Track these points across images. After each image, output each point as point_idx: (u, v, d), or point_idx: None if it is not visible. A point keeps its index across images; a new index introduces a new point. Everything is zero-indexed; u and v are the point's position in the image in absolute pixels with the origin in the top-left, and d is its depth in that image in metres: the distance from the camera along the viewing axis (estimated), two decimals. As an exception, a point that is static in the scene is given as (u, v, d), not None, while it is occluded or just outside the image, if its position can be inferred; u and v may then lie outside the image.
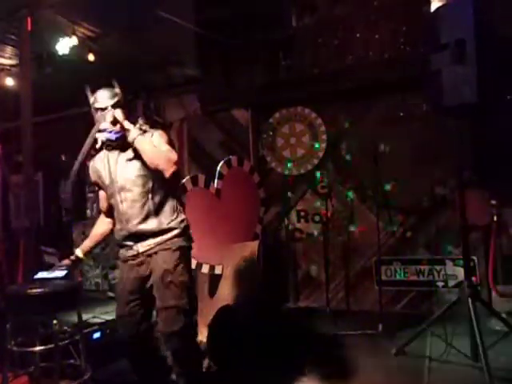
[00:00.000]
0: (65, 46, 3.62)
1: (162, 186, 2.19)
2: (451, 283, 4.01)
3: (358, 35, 4.39)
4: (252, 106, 4.86)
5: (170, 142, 2.21)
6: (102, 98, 2.19)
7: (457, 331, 2.90)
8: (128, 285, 2.21)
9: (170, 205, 2.21)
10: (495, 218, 3.66)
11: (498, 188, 3.68)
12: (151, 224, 2.16)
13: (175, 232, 2.19)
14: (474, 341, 2.66)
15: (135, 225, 2.17)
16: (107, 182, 2.26)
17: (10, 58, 4.57)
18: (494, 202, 3.67)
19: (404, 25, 4.19)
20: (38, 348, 2.45)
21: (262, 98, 4.78)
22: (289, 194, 4.68)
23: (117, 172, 2.23)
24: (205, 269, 3.38)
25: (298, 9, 4.84)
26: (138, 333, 2.18)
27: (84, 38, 3.78)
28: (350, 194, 4.46)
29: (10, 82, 4.90)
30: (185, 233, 2.22)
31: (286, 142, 4.79)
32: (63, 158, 6.64)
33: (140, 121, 2.27)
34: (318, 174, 4.53)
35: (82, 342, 2.55)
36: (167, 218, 2.19)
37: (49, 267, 2.53)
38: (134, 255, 2.21)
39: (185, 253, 2.20)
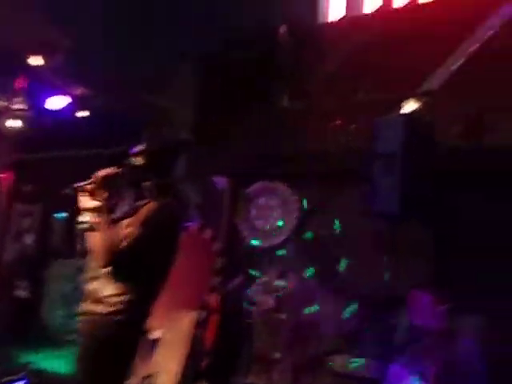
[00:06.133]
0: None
1: None
2: None
3: (337, 123, 4.61)
4: (233, 174, 5.07)
5: (149, 222, 1.99)
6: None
7: None
8: None
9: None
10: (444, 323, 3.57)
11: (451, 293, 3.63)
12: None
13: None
14: None
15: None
16: None
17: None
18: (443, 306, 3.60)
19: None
20: None
21: (245, 169, 4.99)
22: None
23: None
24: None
25: (290, 90, 5.14)
26: None
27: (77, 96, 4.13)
28: (311, 273, 4.48)
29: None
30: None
31: (260, 214, 4.92)
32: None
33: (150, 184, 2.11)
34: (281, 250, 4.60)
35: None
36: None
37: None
38: None
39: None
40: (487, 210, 3.79)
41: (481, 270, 3.67)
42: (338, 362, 4.15)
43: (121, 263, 1.97)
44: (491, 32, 3.80)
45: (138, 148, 2.12)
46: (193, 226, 3.96)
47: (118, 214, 2.12)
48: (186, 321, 3.50)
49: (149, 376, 3.16)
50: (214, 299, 4.13)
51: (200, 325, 3.82)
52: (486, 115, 3.70)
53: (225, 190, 5.05)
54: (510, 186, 3.67)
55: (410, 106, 4.02)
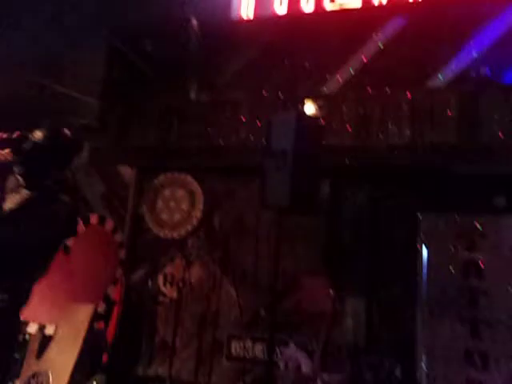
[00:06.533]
0: None
1: None
2: (291, 365, 4.17)
3: (243, 119, 4.77)
4: (139, 165, 5.00)
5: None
6: None
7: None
8: None
9: None
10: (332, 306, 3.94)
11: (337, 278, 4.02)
12: None
13: None
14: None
15: None
16: None
17: None
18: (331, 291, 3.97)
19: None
20: None
21: (151, 160, 4.95)
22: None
23: None
24: (32, 328, 3.28)
25: (197, 83, 5.19)
26: None
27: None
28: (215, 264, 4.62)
29: None
30: None
31: (166, 205, 4.93)
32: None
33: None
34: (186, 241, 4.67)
35: None
36: None
37: None
38: None
39: None
40: (372, 206, 4.24)
41: (365, 260, 4.11)
42: (237, 347, 4.36)
43: (7, 260, 1.86)
44: (377, 45, 4.23)
45: (37, 135, 1.96)
46: (94, 217, 3.86)
47: (7, 205, 1.96)
48: (81, 314, 3.43)
49: (35, 375, 3.05)
50: (116, 291, 4.08)
51: (100, 317, 3.76)
52: (375, 117, 4.11)
53: (130, 180, 4.97)
54: (394, 184, 4.14)
55: (307, 107, 4.33)
